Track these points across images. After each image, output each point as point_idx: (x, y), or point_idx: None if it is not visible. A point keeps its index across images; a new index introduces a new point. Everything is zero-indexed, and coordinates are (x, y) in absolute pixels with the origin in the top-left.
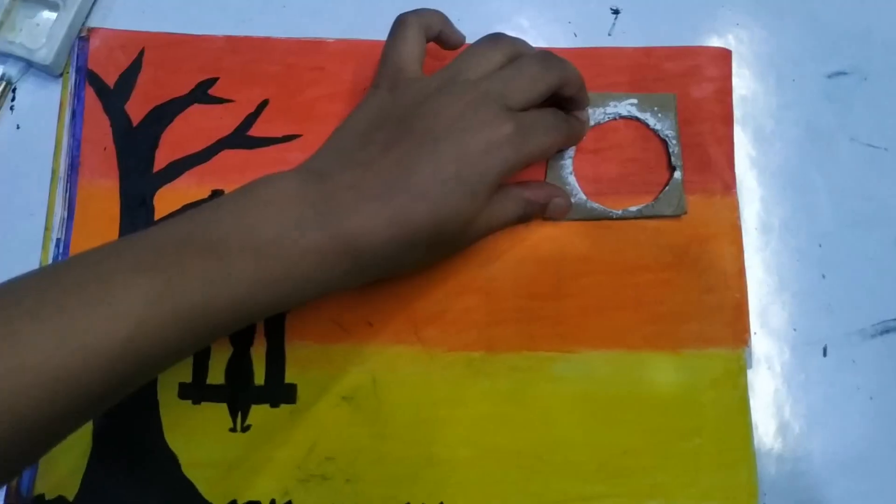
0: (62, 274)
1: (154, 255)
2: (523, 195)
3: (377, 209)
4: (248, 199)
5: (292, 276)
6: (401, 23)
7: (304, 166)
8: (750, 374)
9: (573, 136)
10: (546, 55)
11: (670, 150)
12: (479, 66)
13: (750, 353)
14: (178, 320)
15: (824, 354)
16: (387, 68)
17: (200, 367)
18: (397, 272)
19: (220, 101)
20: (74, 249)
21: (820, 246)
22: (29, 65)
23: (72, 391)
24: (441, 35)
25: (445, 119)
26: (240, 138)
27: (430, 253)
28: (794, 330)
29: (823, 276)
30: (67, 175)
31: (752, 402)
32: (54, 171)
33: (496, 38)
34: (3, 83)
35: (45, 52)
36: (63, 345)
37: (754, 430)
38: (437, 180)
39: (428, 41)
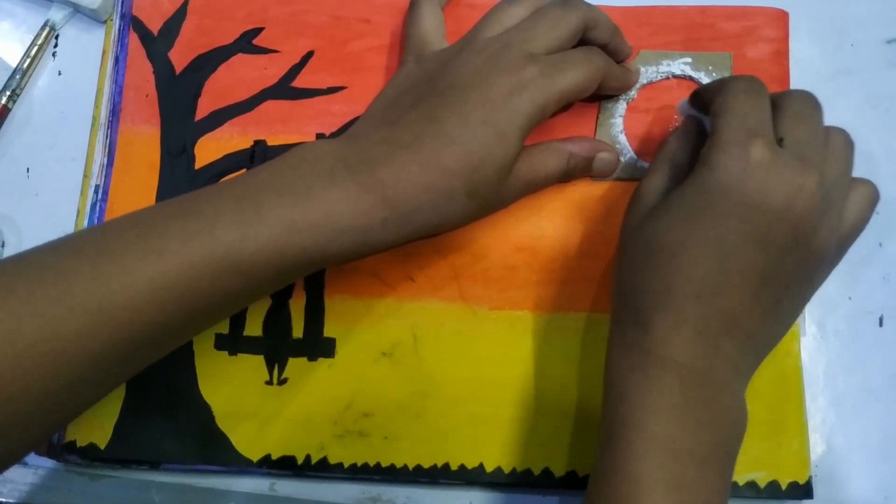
0: (106, 226)
1: (189, 202)
2: (566, 148)
3: (408, 158)
4: (284, 161)
5: (329, 222)
6: (413, 4)
7: (339, 136)
8: (803, 342)
9: (615, 75)
10: None
11: None
12: (500, 23)
13: (803, 319)
14: (212, 260)
15: (880, 325)
16: (411, 45)
17: (237, 319)
18: (443, 227)
19: (264, 51)
20: (113, 195)
21: (877, 213)
22: (75, 10)
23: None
24: None
25: (468, 72)
26: (284, 89)
27: (472, 204)
28: (850, 299)
29: (881, 245)
30: (108, 121)
31: (804, 373)
32: (95, 118)
33: None
34: (48, 29)
35: None
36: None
37: (806, 402)
38: (464, 125)
39: (444, 6)
